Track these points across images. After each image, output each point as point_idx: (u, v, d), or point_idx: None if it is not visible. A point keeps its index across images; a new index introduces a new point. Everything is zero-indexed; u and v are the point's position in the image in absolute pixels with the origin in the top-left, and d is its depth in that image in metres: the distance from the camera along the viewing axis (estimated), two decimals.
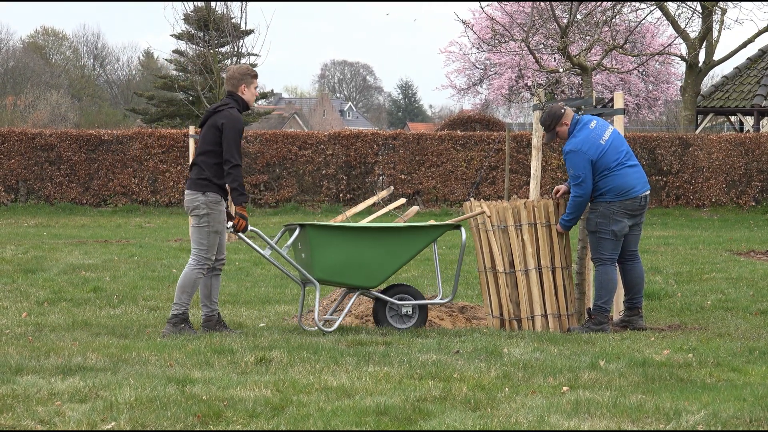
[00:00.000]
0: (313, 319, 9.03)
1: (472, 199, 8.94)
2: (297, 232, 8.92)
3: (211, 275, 8.91)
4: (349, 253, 8.90)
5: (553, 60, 34.04)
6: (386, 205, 10.00)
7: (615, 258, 9.20)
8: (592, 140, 9.13)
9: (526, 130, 35.95)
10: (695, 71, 33.89)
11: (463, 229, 9.23)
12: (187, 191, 8.77)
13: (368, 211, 11.08)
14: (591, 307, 9.27)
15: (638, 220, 9.29)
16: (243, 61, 26.58)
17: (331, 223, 9.16)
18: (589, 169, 9.09)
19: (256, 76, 8.91)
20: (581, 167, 9.09)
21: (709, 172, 28.66)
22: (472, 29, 15.55)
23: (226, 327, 8.96)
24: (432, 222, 9.22)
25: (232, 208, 8.71)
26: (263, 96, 55.43)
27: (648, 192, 9.29)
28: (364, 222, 9.39)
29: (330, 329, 8.81)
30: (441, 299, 9.27)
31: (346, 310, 9.05)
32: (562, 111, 9.30)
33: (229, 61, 21.26)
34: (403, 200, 9.43)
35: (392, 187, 9.95)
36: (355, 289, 9.13)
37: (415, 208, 9.26)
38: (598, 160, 9.10)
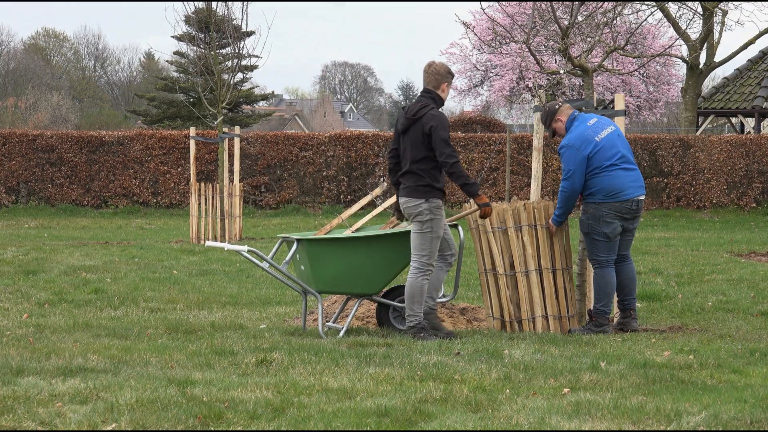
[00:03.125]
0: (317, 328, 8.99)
1: (472, 200, 8.91)
2: (295, 247, 8.89)
3: (437, 268, 8.86)
4: (349, 263, 8.85)
5: (554, 61, 34.04)
6: (383, 201, 9.97)
7: (611, 260, 9.15)
8: (586, 137, 9.06)
9: (527, 131, 35.96)
10: (696, 73, 33.88)
11: (460, 228, 9.21)
12: (406, 198, 8.69)
13: (365, 211, 11.07)
14: (591, 308, 9.27)
15: (630, 225, 9.17)
16: (244, 62, 26.58)
17: (326, 235, 9.08)
18: (581, 164, 9.01)
19: (453, 76, 9.03)
20: (572, 162, 9.03)
21: (710, 174, 28.66)
22: (473, 30, 15.56)
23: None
24: None
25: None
26: (264, 98, 55.46)
27: (642, 197, 9.15)
28: (360, 223, 9.35)
29: (337, 337, 8.73)
30: (442, 297, 9.23)
31: (350, 317, 8.97)
32: (557, 107, 9.27)
33: (230, 62, 21.22)
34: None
35: (386, 183, 9.91)
36: (358, 296, 9.12)
37: None
38: (591, 157, 9.02)
